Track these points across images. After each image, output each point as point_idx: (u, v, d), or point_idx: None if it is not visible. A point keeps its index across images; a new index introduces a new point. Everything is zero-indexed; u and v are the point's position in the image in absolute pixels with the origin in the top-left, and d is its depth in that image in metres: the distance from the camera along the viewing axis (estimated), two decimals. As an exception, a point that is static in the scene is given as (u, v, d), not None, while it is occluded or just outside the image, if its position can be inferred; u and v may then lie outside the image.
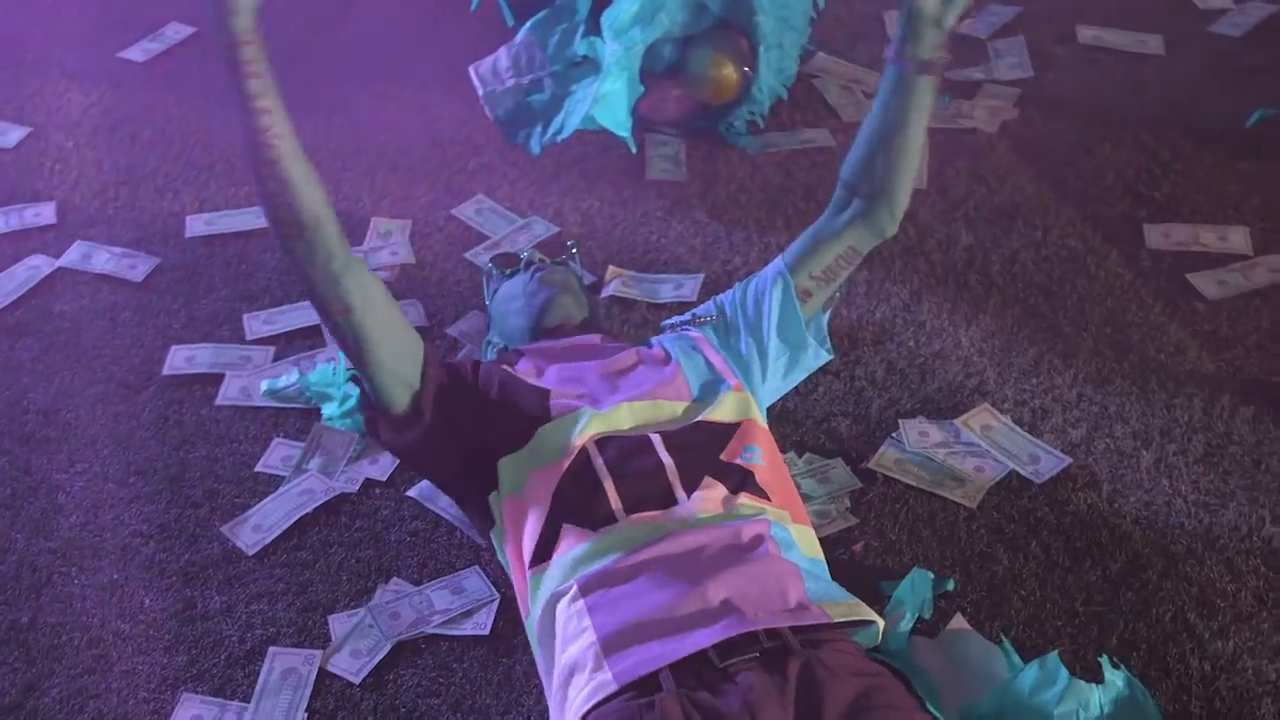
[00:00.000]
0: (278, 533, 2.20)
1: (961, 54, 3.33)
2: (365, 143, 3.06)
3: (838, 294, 2.15)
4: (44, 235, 2.82)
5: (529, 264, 2.31)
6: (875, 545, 2.16)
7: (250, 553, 2.18)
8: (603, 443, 1.89)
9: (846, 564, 2.13)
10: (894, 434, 2.33)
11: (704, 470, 1.86)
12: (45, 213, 2.87)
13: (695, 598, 1.68)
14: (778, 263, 2.10)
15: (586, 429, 1.90)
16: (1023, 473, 2.26)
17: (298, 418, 2.40)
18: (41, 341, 2.57)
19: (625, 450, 1.88)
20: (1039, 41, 3.38)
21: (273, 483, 2.29)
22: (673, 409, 1.97)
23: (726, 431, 1.94)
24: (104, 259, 2.74)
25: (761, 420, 2.01)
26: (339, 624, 2.07)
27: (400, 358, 1.90)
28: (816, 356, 2.11)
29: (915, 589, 2.04)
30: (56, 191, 2.94)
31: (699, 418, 1.95)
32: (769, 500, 1.86)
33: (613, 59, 2.69)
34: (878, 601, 2.05)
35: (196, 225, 2.83)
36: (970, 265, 2.69)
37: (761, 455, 1.92)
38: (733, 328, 2.11)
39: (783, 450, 2.30)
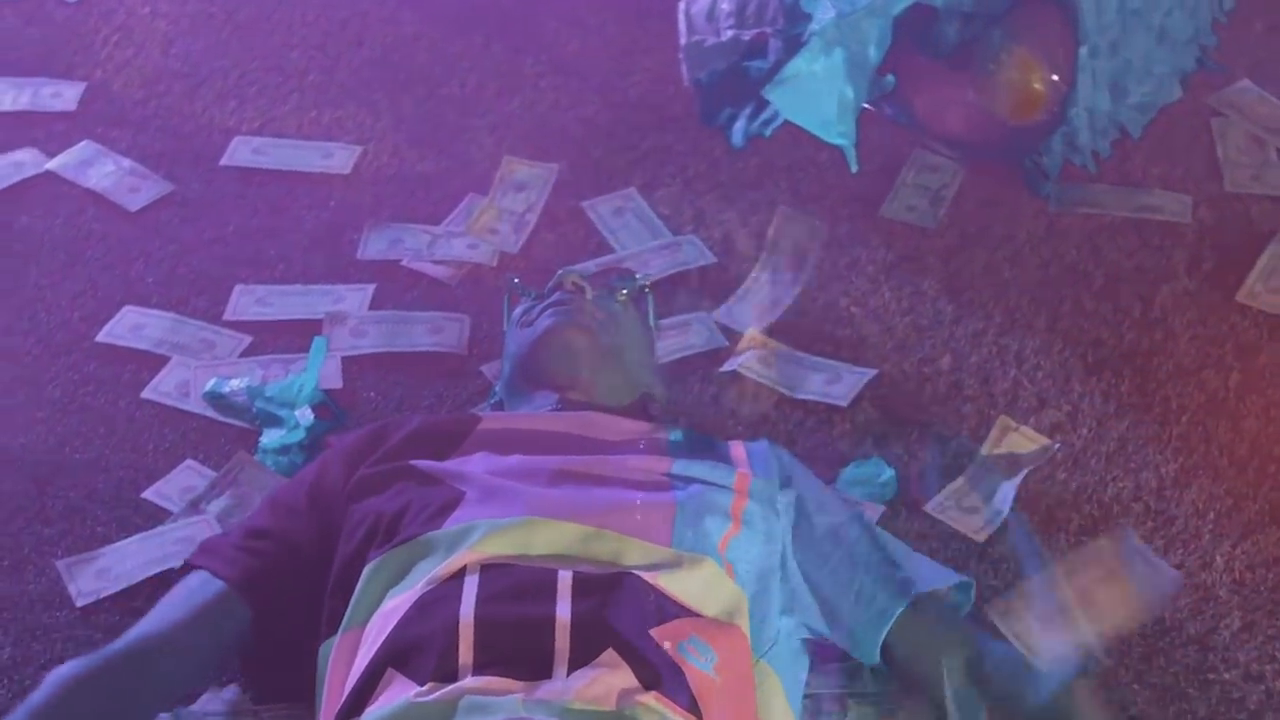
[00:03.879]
0: (124, 585, 2.45)
1: None
2: (515, 82, 3.31)
3: None
4: (53, 124, 3.24)
5: (556, 288, 2.46)
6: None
7: (78, 603, 2.44)
8: (492, 569, 2.01)
9: None
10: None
11: (610, 640, 1.94)
12: (67, 95, 3.28)
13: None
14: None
15: (480, 544, 2.04)
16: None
17: (230, 440, 2.67)
18: (-20, 257, 2.98)
19: (515, 586, 1.99)
20: None
21: (156, 517, 2.56)
22: (620, 548, 2.07)
23: (675, 609, 2.01)
24: (105, 172, 3.12)
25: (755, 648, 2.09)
26: (135, 725, 2.31)
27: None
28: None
29: None
30: (97, 71, 3.35)
31: (644, 573, 2.03)
32: (694, 718, 1.92)
33: (819, 27, 2.78)
34: None
35: (241, 151, 3.17)
36: None
37: (714, 666, 1.98)
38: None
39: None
